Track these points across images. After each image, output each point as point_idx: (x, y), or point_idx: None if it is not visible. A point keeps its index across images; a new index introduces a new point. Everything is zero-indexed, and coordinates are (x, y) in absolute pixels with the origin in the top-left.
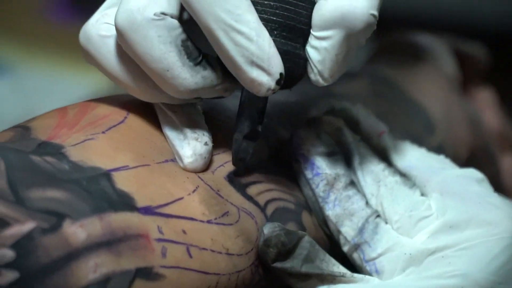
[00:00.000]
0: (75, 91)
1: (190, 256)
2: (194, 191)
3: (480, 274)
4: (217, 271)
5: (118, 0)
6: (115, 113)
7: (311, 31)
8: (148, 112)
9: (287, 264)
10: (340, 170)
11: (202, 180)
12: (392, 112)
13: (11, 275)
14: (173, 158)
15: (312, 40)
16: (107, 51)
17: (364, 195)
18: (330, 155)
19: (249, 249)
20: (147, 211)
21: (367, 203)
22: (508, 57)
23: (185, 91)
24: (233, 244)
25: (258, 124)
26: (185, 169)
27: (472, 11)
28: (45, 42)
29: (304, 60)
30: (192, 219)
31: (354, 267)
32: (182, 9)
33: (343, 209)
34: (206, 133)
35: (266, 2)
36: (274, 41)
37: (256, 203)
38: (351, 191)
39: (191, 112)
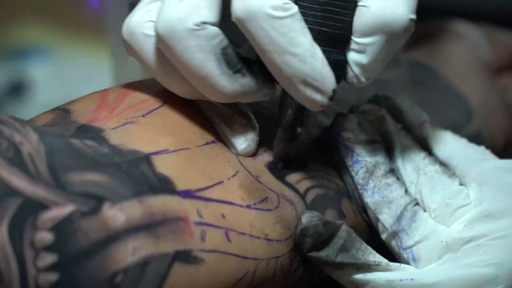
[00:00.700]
0: (114, 76)
1: (229, 241)
2: (234, 175)
3: None
4: (255, 256)
5: None
6: (155, 97)
7: (352, 36)
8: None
9: (322, 254)
10: (380, 158)
11: (242, 165)
12: (430, 99)
13: (49, 258)
14: (214, 140)
15: (353, 45)
16: (150, 50)
17: (403, 183)
18: (371, 143)
19: (288, 235)
20: (187, 194)
21: (406, 191)
22: None
23: (223, 97)
24: (272, 229)
25: (299, 127)
26: (238, 154)
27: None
28: (85, 26)
29: (345, 64)
30: (231, 203)
31: (392, 255)
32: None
33: (381, 197)
34: (252, 116)
35: (317, 14)
36: (323, 51)
37: (296, 190)
38: (390, 179)
39: None
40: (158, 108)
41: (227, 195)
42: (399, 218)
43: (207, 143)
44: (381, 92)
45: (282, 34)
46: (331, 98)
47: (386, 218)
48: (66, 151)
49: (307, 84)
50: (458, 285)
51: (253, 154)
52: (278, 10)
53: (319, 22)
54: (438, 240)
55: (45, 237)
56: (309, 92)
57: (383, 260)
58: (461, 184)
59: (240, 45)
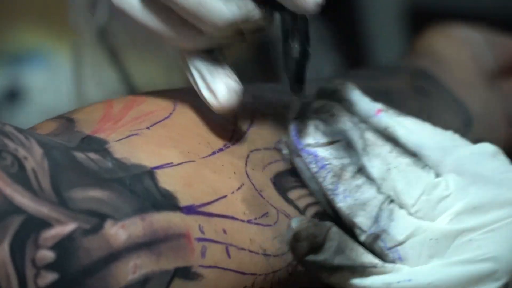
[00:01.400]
0: (113, 82)
1: (229, 256)
2: (238, 188)
3: (511, 255)
4: (254, 271)
5: None
6: (161, 109)
7: None
8: (194, 107)
9: (320, 257)
10: (345, 159)
11: (248, 177)
12: (431, 106)
13: (50, 277)
14: (221, 147)
15: None
16: (136, 2)
17: (374, 181)
18: (332, 144)
19: (285, 250)
20: (190, 210)
21: (377, 189)
22: None
23: (223, 24)
24: (271, 245)
25: (307, 45)
26: (220, 108)
27: (507, 3)
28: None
29: None
30: (233, 218)
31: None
32: None
33: (354, 200)
34: (233, 72)
35: None
36: None
37: (296, 207)
38: (359, 180)
39: (216, 57)
40: (163, 120)
41: (229, 209)
42: (376, 219)
43: (213, 153)
44: (385, 102)
45: None
46: None
47: (362, 221)
48: (70, 166)
49: None
50: (457, 282)
51: (235, 110)
52: None
53: None
54: (426, 237)
55: (47, 255)
56: None
57: (378, 262)
58: (436, 175)
59: None
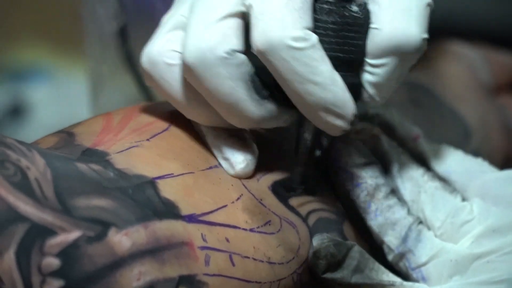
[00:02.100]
0: (114, 97)
1: (233, 264)
2: (238, 199)
3: None
4: (258, 279)
5: (179, 22)
6: (160, 121)
7: (366, 58)
8: (189, 124)
9: (337, 275)
10: (379, 179)
11: (246, 188)
12: (429, 119)
13: (56, 283)
14: (217, 164)
15: (367, 67)
16: (172, 79)
17: (405, 203)
18: (368, 165)
19: (290, 258)
20: (191, 219)
21: (408, 210)
22: None
23: (249, 123)
24: (275, 252)
25: (318, 150)
26: (235, 175)
27: (504, 20)
28: (84, 47)
29: (360, 85)
30: (235, 227)
31: (400, 275)
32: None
33: (385, 219)
34: (250, 139)
35: (332, 41)
36: (341, 76)
37: (297, 214)
38: (392, 201)
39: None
40: (162, 132)
41: (231, 218)
42: (404, 239)
43: (210, 167)
44: (374, 109)
45: (303, 64)
46: (351, 123)
47: (391, 240)
48: (72, 176)
49: (328, 111)
50: None
51: (251, 175)
52: (299, 41)
53: (334, 48)
54: (447, 258)
55: (52, 262)
56: (331, 119)
57: (398, 280)
58: (463, 199)
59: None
